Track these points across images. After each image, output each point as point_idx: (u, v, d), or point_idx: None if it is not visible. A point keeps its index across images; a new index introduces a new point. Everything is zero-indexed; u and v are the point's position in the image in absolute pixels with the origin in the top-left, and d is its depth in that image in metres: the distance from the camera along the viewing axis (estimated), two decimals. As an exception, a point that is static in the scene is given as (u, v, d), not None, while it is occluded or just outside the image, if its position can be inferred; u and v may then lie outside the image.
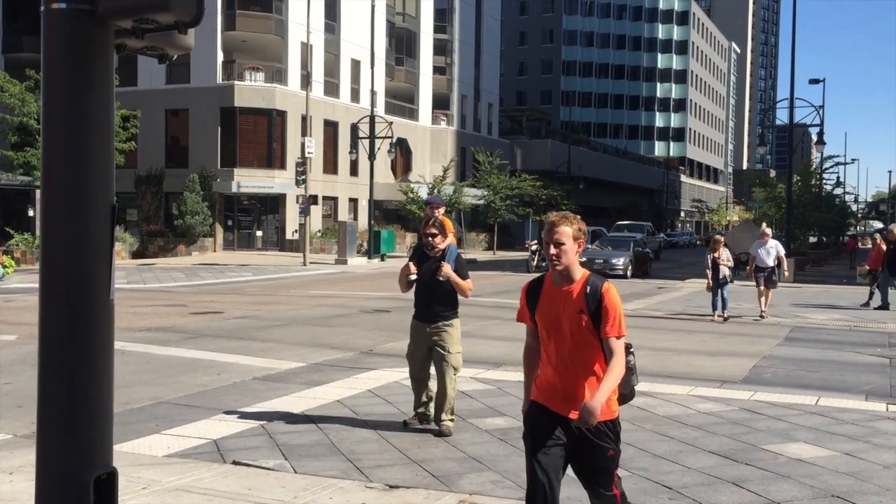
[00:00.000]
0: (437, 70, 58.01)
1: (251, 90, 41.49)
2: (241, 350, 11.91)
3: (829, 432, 7.44)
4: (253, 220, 43.06)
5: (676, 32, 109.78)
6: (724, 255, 16.58)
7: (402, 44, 54.31)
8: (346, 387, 9.21)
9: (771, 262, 17.17)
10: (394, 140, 43.66)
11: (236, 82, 41.37)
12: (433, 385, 7.41)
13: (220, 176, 40.75)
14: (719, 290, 16.56)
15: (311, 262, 34.04)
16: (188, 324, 14.89)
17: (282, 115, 42.29)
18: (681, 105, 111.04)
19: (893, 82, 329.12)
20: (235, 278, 27.01)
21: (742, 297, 19.82)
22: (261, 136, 42.38)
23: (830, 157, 53.24)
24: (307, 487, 5.59)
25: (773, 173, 73.67)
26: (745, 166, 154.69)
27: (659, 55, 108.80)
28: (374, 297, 20.14)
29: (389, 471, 6.13)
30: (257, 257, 37.89)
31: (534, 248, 32.54)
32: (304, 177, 34.90)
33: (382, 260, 38.18)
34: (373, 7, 41.15)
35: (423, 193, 43.07)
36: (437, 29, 57.66)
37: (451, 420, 7.25)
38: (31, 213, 35.40)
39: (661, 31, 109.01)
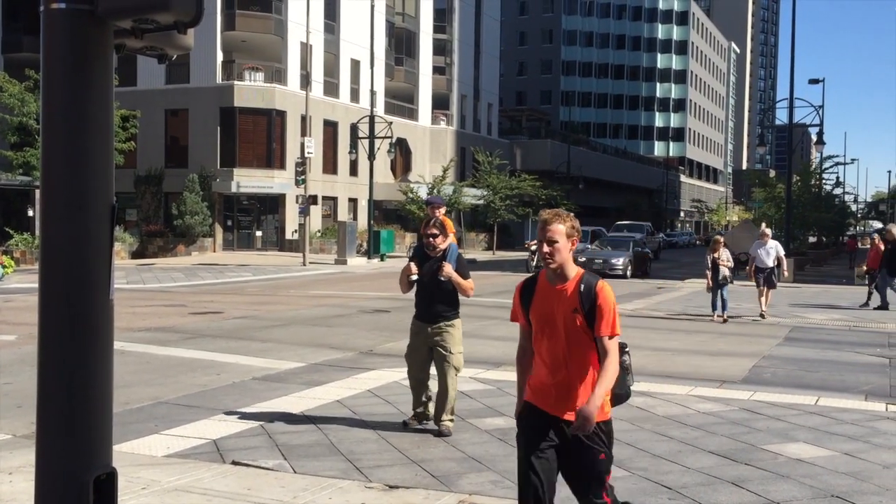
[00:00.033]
0: (437, 70, 58.01)
1: (251, 90, 41.47)
2: (241, 350, 11.92)
3: (828, 432, 7.44)
4: (252, 220, 43.04)
5: (676, 32, 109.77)
6: (724, 256, 16.55)
7: (401, 44, 54.30)
8: (345, 387, 9.21)
9: (770, 263, 17.17)
10: (393, 140, 43.64)
11: (236, 82, 41.36)
12: (433, 385, 7.41)
13: (219, 176, 40.73)
14: (719, 291, 16.56)
15: (310, 262, 34.04)
16: (188, 324, 14.89)
17: (281, 115, 42.27)
18: (680, 105, 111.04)
19: (893, 82, 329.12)
20: (235, 278, 27.01)
21: (742, 297, 19.82)
22: (260, 136, 42.35)
23: (830, 157, 53.32)
24: (307, 487, 5.58)
25: (772, 173, 73.73)
26: (744, 166, 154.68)
27: (658, 55, 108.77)
28: (373, 298, 20.15)
29: (389, 471, 6.13)
30: (257, 257, 37.87)
31: (533, 248, 32.52)
32: (303, 177, 34.90)
33: (382, 260, 38.18)
34: (372, 7, 41.13)
35: (423, 193, 43.09)
36: (437, 29, 57.66)
37: (451, 420, 7.25)
38: (30, 213, 35.40)
39: (660, 31, 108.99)
